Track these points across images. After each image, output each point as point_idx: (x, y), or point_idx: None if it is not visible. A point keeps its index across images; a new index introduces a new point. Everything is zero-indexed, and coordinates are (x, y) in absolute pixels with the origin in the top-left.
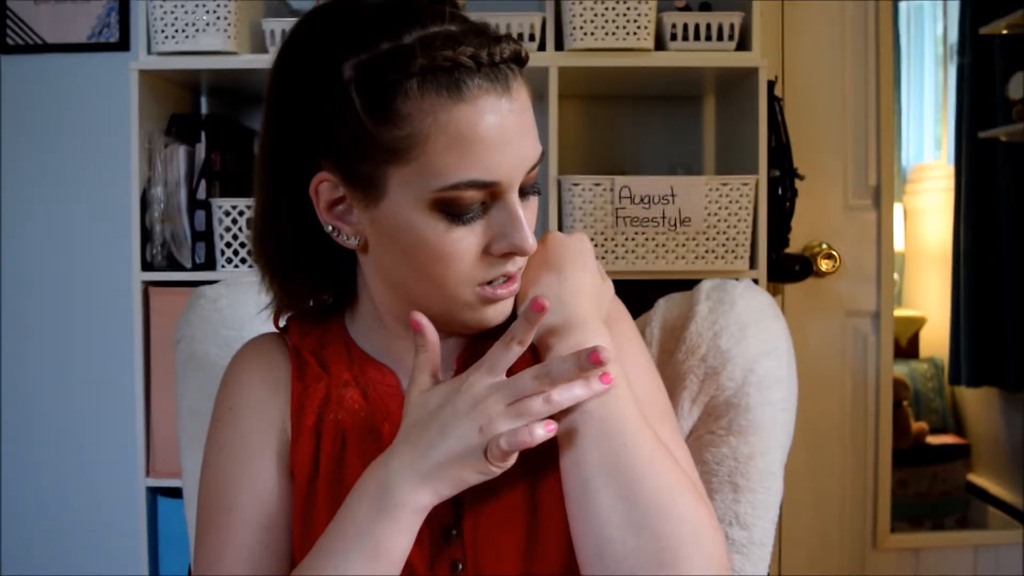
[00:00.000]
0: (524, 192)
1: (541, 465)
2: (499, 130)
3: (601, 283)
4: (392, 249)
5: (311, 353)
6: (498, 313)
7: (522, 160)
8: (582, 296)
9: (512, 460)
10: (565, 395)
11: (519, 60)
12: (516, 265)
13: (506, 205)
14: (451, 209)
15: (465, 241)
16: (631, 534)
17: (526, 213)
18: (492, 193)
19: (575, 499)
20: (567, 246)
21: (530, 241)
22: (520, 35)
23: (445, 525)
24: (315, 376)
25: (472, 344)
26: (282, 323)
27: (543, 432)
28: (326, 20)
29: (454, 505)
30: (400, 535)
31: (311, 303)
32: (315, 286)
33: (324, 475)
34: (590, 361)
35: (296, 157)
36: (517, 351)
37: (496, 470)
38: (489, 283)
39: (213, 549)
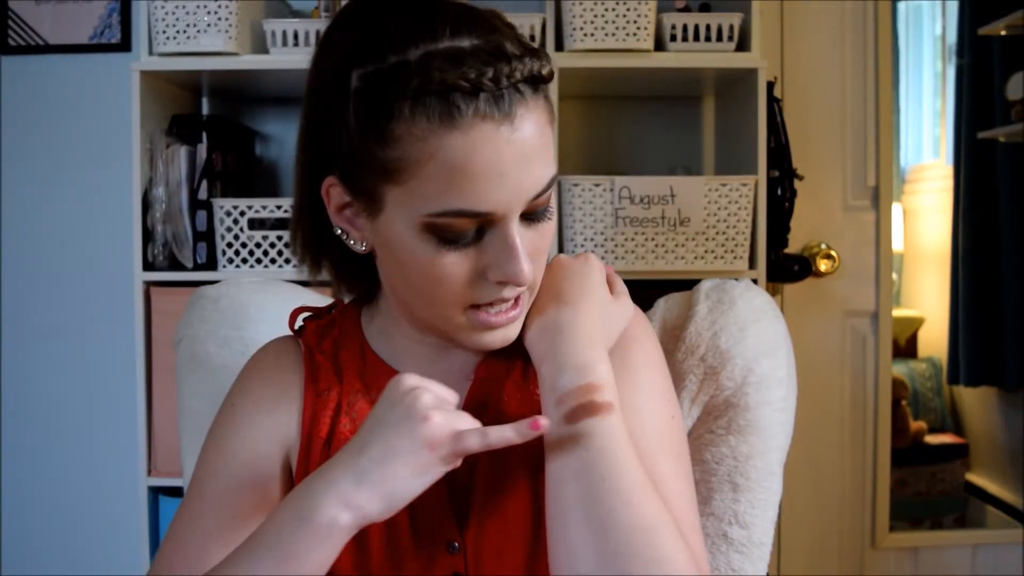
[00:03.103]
0: (532, 218)
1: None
2: (494, 161)
3: (611, 306)
4: (392, 261)
5: (326, 357)
6: (496, 338)
7: (522, 191)
8: (582, 324)
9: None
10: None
11: (537, 79)
12: (514, 291)
13: (502, 234)
14: (442, 234)
15: (456, 266)
16: (602, 573)
17: (534, 240)
18: (487, 221)
19: (553, 533)
20: (571, 272)
21: (525, 272)
22: None
23: (447, 537)
24: (328, 383)
25: (488, 359)
26: (299, 323)
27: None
28: (355, 20)
29: (456, 517)
30: (311, 551)
31: (335, 298)
32: (340, 280)
33: None
34: (530, 429)
35: (314, 157)
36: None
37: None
38: (485, 306)
39: (177, 528)
